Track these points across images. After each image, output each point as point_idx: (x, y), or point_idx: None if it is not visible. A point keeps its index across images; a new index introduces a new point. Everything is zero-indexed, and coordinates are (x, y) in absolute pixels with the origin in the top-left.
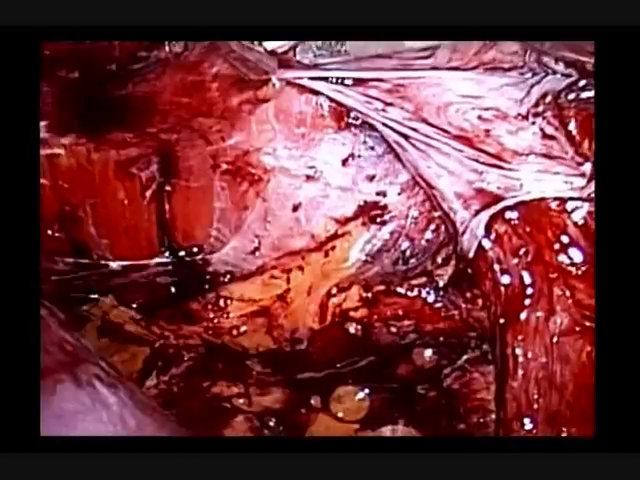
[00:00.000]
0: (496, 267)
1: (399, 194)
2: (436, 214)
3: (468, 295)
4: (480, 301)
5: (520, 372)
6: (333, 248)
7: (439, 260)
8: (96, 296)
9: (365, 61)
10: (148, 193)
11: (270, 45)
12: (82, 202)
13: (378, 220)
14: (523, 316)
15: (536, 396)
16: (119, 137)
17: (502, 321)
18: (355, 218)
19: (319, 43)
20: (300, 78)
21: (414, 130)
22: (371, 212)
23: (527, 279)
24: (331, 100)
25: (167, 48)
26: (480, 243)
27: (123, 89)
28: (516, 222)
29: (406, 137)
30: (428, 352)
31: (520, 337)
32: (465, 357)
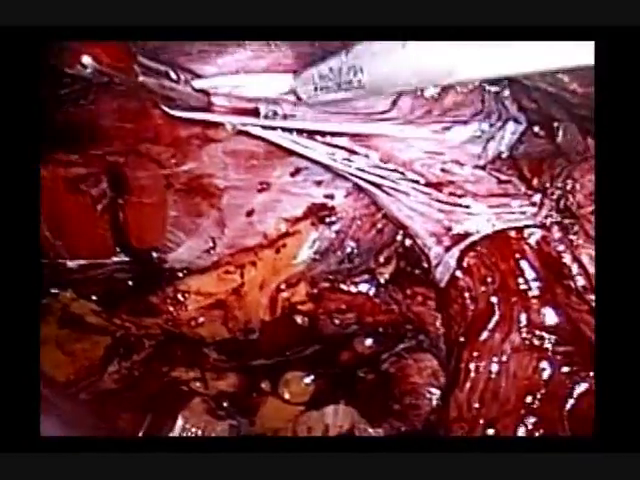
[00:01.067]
0: (466, 295)
1: (345, 197)
2: (379, 216)
3: (408, 292)
4: (419, 298)
5: (468, 384)
6: (284, 245)
7: (381, 259)
8: (56, 290)
9: (324, 110)
10: (99, 207)
11: (198, 84)
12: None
13: (326, 221)
14: (483, 336)
15: (477, 405)
16: (64, 158)
17: (462, 339)
18: (305, 218)
19: (324, 72)
20: (254, 125)
21: (382, 178)
22: (319, 213)
23: (492, 304)
24: (285, 150)
25: (93, 78)
26: (452, 274)
27: (59, 112)
28: (483, 254)
29: (375, 185)
30: (368, 341)
31: (475, 354)
32: (402, 346)
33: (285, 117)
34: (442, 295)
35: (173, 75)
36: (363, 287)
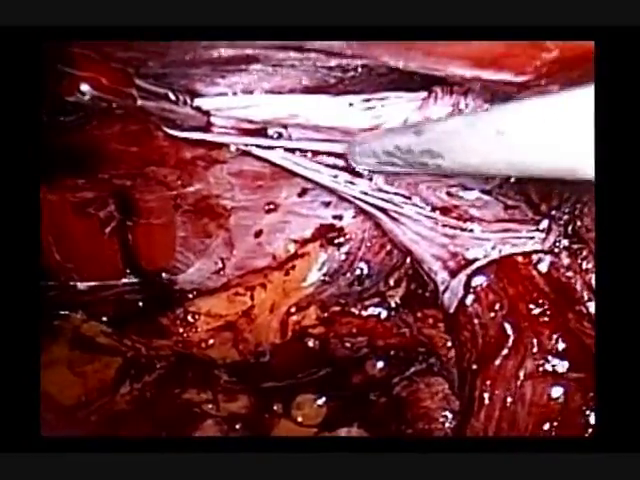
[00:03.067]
0: (475, 321)
1: (354, 217)
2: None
3: (419, 314)
4: (430, 320)
5: (483, 413)
6: (293, 267)
7: (391, 282)
8: (66, 312)
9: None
10: (107, 229)
11: (198, 103)
12: (44, 234)
13: (335, 242)
14: (497, 363)
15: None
16: (71, 182)
17: (475, 367)
18: (313, 240)
19: (389, 148)
20: (256, 147)
21: (385, 201)
22: (328, 234)
23: (502, 331)
24: (288, 172)
25: (92, 105)
26: (460, 300)
27: (62, 137)
28: (491, 279)
29: (379, 208)
30: (379, 364)
31: (488, 382)
32: (412, 369)
33: (290, 138)
34: (452, 321)
35: (172, 97)
36: (374, 310)
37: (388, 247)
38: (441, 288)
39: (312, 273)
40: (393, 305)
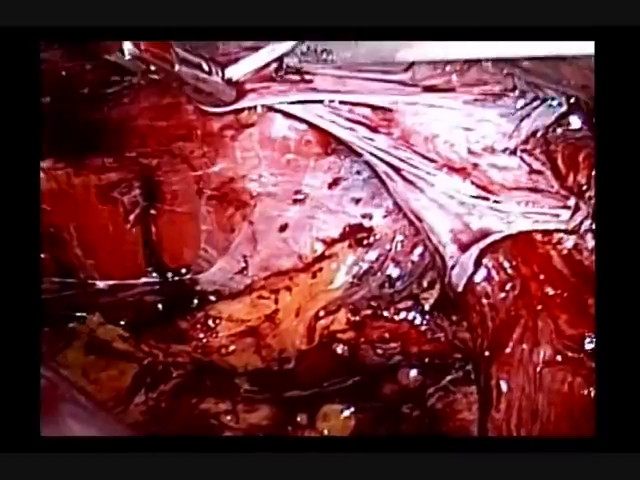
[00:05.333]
0: (484, 301)
1: (384, 217)
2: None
3: (454, 318)
4: (465, 323)
5: (503, 404)
6: (320, 270)
7: (425, 284)
8: (83, 314)
9: (350, 81)
10: (132, 217)
11: (230, 73)
12: (66, 224)
13: (364, 243)
14: (508, 349)
15: (516, 426)
16: (98, 162)
17: (487, 354)
18: (341, 240)
19: (304, 49)
20: (280, 103)
21: (402, 160)
22: (357, 235)
23: (514, 313)
24: (312, 126)
25: (139, 74)
26: (470, 278)
27: (97, 113)
28: (504, 256)
29: (395, 169)
30: (413, 372)
31: (504, 370)
32: (448, 378)
33: (306, 76)
34: (460, 301)
35: (206, 67)
36: (407, 314)
37: (420, 247)
38: (449, 264)
39: (340, 275)
40: (427, 308)
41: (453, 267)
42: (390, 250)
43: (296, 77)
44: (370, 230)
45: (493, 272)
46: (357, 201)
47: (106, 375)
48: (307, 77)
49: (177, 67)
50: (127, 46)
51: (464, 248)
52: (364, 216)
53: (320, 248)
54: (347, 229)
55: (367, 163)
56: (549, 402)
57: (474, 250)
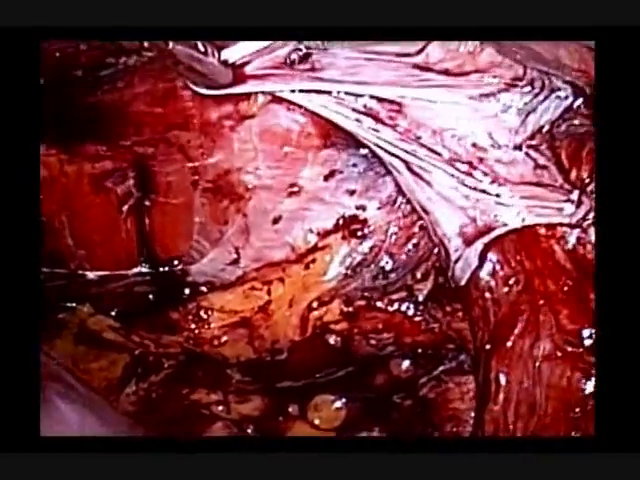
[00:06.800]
0: (487, 295)
1: (379, 209)
2: (415, 229)
3: (448, 308)
4: (460, 314)
5: (501, 396)
6: (314, 261)
7: (418, 275)
8: (73, 304)
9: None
10: (125, 208)
11: (226, 55)
12: (57, 213)
13: (358, 234)
14: (509, 343)
15: (513, 419)
16: (92, 150)
17: (488, 347)
18: (335, 231)
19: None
20: (281, 91)
21: (408, 153)
22: (351, 226)
23: (516, 307)
24: (316, 116)
25: (135, 56)
26: (474, 271)
27: (91, 97)
28: (508, 250)
29: (402, 160)
30: (405, 363)
31: (504, 363)
32: (441, 368)
33: (314, 65)
34: (462, 295)
35: (201, 47)
36: (400, 305)
37: (415, 239)
38: (453, 257)
39: (333, 267)
40: (421, 299)
41: (457, 260)
42: (384, 241)
43: (302, 66)
44: (364, 222)
45: (497, 266)
46: (352, 193)
47: (97, 365)
48: (315, 65)
49: (171, 44)
50: None
51: (469, 242)
52: (358, 208)
53: (313, 239)
54: (341, 221)
55: (367, 155)
56: (547, 396)
57: (478, 244)
